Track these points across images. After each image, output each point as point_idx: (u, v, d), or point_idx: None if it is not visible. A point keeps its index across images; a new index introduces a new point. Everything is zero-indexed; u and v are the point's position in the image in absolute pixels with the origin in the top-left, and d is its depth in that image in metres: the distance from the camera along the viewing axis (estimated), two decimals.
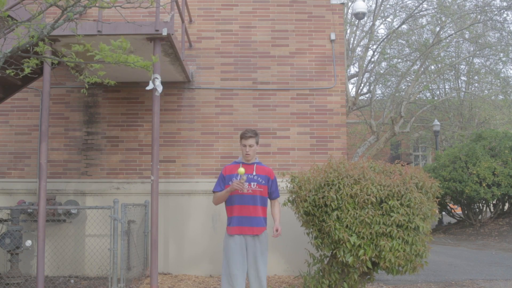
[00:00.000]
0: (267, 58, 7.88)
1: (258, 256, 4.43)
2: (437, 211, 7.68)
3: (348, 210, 5.09)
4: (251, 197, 4.46)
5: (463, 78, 20.66)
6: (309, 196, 5.32)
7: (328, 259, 5.63)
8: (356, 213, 5.06)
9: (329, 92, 7.80)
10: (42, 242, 5.52)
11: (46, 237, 6.57)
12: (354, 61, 17.43)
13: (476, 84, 20.45)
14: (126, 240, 6.37)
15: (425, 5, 16.12)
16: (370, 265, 5.10)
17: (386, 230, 4.97)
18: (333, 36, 7.87)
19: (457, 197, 13.38)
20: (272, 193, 4.66)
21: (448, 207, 14.59)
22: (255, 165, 4.56)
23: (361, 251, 5.01)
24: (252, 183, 4.46)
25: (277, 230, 4.40)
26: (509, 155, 12.73)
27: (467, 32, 16.63)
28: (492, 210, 14.22)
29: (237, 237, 4.41)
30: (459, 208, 14.65)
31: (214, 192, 4.58)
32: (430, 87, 18.74)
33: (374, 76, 17.22)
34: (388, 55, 16.26)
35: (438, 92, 21.07)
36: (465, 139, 17.76)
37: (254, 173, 4.49)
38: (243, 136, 4.54)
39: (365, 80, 17.03)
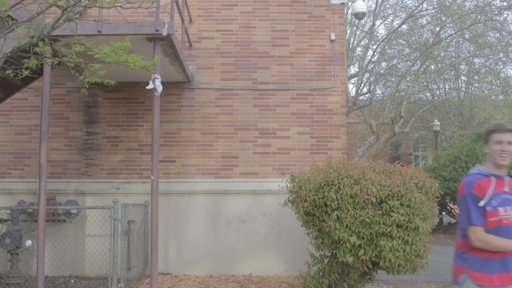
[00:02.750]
0: (267, 58, 7.88)
1: None
2: (437, 212, 7.67)
3: (348, 210, 5.08)
4: None
5: (463, 78, 20.67)
6: (309, 196, 5.32)
7: (328, 259, 5.63)
8: (356, 213, 5.06)
9: (329, 92, 7.80)
10: (42, 242, 5.52)
11: (46, 237, 6.57)
12: (354, 61, 17.42)
13: (476, 84, 20.45)
14: (126, 240, 6.38)
15: (425, 5, 16.13)
16: (370, 265, 5.10)
17: (386, 230, 4.97)
18: (333, 36, 7.88)
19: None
20: None
21: (448, 207, 14.58)
22: (506, 178, 2.91)
23: (361, 251, 5.01)
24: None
25: None
26: None
27: (467, 32, 16.61)
28: None
29: None
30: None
31: (474, 225, 2.78)
32: (430, 87, 18.74)
33: (374, 76, 17.21)
34: (388, 55, 16.25)
35: (438, 92, 21.08)
36: (465, 139, 17.75)
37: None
38: (497, 130, 2.86)
39: (365, 80, 17.02)
